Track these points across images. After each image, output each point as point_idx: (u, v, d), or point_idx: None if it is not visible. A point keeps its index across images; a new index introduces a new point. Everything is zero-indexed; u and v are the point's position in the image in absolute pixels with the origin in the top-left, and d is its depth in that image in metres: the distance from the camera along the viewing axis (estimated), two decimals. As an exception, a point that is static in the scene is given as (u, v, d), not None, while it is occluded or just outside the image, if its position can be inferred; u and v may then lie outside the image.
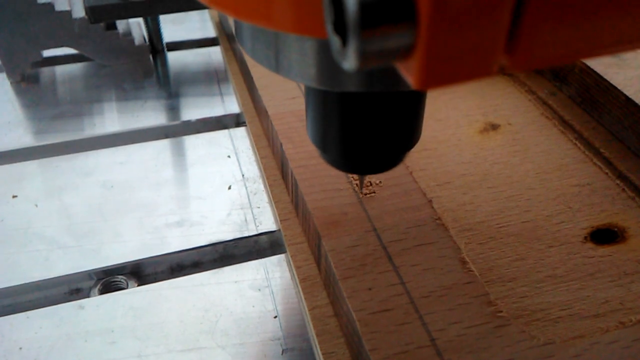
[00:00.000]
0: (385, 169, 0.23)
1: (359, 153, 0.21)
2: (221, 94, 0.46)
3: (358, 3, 0.11)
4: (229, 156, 0.39)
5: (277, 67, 0.18)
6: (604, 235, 0.28)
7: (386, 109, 0.20)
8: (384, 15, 0.11)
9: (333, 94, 0.20)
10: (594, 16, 0.12)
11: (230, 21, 0.46)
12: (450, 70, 0.12)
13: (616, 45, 0.13)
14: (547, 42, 0.12)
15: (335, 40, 0.12)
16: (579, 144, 0.34)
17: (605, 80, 0.34)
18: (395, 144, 0.21)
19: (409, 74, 0.12)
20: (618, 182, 0.31)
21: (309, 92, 0.21)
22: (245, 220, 0.33)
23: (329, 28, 0.12)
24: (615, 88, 0.33)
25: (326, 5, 0.12)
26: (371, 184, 0.29)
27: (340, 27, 0.12)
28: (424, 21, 0.11)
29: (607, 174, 0.32)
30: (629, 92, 0.32)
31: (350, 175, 0.30)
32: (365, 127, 0.20)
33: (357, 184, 0.29)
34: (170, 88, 0.47)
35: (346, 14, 0.11)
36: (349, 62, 0.12)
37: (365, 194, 0.28)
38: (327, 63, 0.17)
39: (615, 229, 0.28)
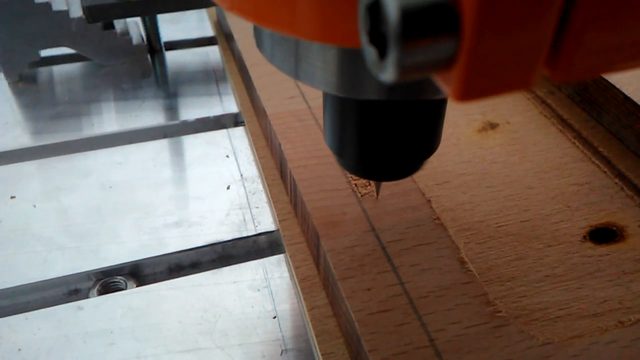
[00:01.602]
0: (404, 175, 0.23)
1: (379, 160, 0.21)
2: (219, 94, 0.46)
3: (400, 13, 0.10)
4: (227, 156, 0.39)
5: (297, 73, 0.17)
6: (603, 235, 0.28)
7: (408, 116, 0.20)
8: (427, 26, 0.10)
9: (354, 100, 0.20)
10: (629, 25, 0.11)
11: (229, 21, 0.46)
12: (491, 83, 0.11)
13: None
14: (589, 55, 0.12)
15: (371, 52, 0.11)
16: (577, 143, 0.34)
17: (604, 78, 0.33)
18: (416, 151, 0.21)
19: (448, 86, 0.11)
20: (617, 181, 0.31)
21: (328, 98, 0.21)
22: (244, 220, 0.33)
23: (364, 39, 0.11)
24: (614, 87, 0.33)
25: (361, 15, 0.11)
26: (370, 184, 0.29)
27: (377, 38, 0.11)
28: (468, 32, 0.10)
29: (605, 172, 0.32)
30: (628, 90, 0.32)
31: (349, 175, 0.29)
32: (387, 134, 0.20)
33: (355, 184, 0.29)
34: (169, 88, 0.47)
35: (387, 24, 0.10)
36: (388, 74, 0.11)
37: (364, 194, 0.28)
38: (350, 71, 0.16)
39: (614, 228, 0.28)
